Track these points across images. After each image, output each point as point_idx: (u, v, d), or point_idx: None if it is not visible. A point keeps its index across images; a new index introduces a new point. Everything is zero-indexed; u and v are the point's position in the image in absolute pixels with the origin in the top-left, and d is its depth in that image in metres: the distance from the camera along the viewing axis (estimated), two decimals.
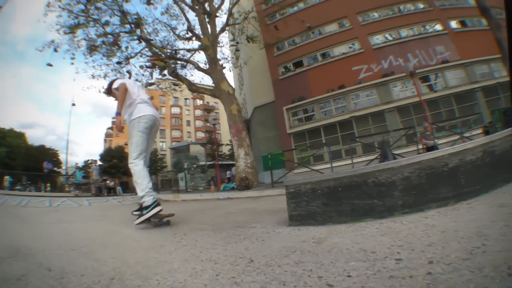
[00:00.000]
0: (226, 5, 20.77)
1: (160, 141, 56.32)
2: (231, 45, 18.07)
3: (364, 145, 14.73)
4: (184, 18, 14.33)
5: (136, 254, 1.92)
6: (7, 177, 16.13)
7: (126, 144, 49.16)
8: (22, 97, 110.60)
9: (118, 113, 3.00)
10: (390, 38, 17.36)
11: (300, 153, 17.69)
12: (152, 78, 15.51)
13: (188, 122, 62.44)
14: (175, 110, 61.11)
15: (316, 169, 10.46)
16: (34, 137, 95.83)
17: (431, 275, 1.06)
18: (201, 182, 20.35)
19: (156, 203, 2.88)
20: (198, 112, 63.94)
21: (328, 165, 10.87)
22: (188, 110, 63.26)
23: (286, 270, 1.34)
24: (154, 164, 44.77)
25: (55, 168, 39.82)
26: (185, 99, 58.55)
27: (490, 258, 1.14)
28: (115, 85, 3.17)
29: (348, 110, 17.21)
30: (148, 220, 2.88)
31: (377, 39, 17.57)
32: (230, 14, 14.33)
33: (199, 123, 63.12)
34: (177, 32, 15.28)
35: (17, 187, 17.02)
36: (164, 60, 13.34)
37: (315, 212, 2.35)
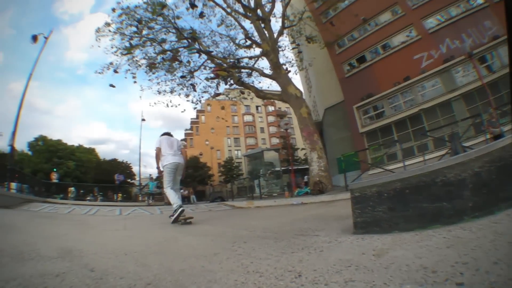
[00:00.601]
0: (278, 9, 20.60)
1: (235, 149, 58.73)
2: (293, 48, 17.91)
3: (435, 139, 13.94)
4: (240, 27, 14.62)
5: (185, 261, 1.90)
6: (71, 189, 18.65)
7: (200, 154, 52.96)
8: (89, 116, 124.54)
9: (157, 167, 4.87)
10: (441, 19, 16.39)
11: (374, 152, 16.75)
12: (218, 89, 16.01)
13: (262, 129, 64.01)
14: (248, 118, 63.41)
15: (389, 168, 9.46)
16: (107, 152, 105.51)
17: None
18: (276, 188, 20.32)
19: (178, 207, 4.35)
20: (271, 119, 64.92)
21: (401, 164, 10.32)
22: (261, 117, 64.88)
23: None
24: (229, 172, 46.80)
25: (128, 180, 43.85)
26: (257, 106, 60.07)
27: None
28: (155, 145, 4.89)
29: (416, 103, 16.40)
30: (177, 218, 4.33)
31: (431, 23, 16.70)
32: (284, 17, 14.10)
33: (272, 129, 63.99)
34: (236, 41, 15.63)
35: (88, 198, 19.22)
36: (227, 69, 13.54)
37: (381, 218, 2.08)
